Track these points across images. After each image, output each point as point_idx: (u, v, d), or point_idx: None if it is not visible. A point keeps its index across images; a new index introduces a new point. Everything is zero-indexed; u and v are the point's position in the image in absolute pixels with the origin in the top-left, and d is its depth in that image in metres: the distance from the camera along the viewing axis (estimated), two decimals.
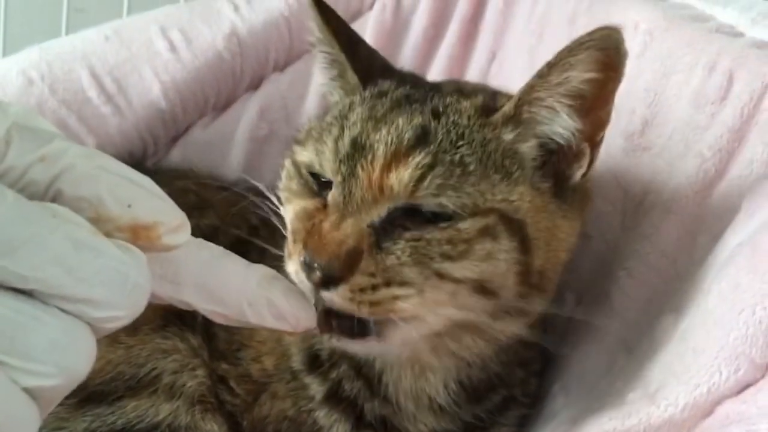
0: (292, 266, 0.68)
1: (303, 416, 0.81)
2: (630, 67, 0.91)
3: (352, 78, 0.80)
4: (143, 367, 0.77)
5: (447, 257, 0.66)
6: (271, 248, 0.76)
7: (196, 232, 0.96)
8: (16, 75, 1.08)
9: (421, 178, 0.67)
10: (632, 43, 0.94)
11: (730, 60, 0.82)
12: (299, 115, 1.24)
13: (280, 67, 1.25)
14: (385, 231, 0.67)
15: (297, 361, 0.82)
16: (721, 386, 0.61)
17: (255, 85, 1.24)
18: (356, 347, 0.73)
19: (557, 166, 0.74)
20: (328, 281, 0.65)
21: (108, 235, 0.44)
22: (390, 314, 0.66)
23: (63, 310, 0.42)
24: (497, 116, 0.72)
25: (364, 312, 0.66)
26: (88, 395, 0.75)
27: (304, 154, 0.75)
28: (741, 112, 0.79)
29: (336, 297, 0.65)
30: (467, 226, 0.67)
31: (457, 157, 0.69)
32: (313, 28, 0.83)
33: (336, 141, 0.72)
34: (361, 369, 0.81)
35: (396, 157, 0.68)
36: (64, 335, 0.41)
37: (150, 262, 0.46)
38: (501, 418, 0.85)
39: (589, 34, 0.66)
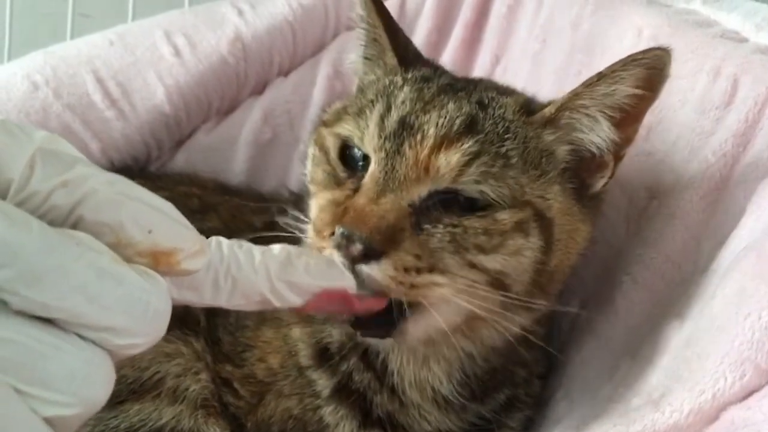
0: (326, 253, 0.66)
1: (308, 414, 0.81)
2: None
3: (392, 59, 0.83)
4: (146, 371, 0.77)
5: (481, 249, 0.68)
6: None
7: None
8: (21, 79, 1.08)
9: (468, 164, 0.69)
10: (636, 50, 0.93)
11: (734, 65, 0.82)
12: (303, 119, 1.24)
13: (284, 71, 1.25)
14: (423, 213, 0.68)
15: (305, 356, 0.82)
16: (726, 392, 0.61)
17: (259, 89, 1.24)
18: (375, 342, 0.74)
19: (581, 173, 0.76)
20: (369, 254, 0.64)
21: (128, 260, 0.44)
22: (422, 298, 0.67)
23: (83, 338, 0.42)
24: (538, 116, 0.75)
25: (400, 292, 0.66)
26: None
27: (343, 128, 0.76)
28: (746, 117, 0.79)
29: (377, 272, 0.64)
30: (505, 217, 0.69)
31: (502, 149, 0.71)
32: (357, 4, 0.85)
33: (382, 117, 0.73)
34: (370, 360, 0.81)
35: (446, 139, 0.69)
36: (83, 365, 0.42)
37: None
38: (506, 419, 0.85)
39: (643, 52, 0.69)
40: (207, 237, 0.95)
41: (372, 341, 0.77)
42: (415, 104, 0.73)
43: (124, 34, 1.16)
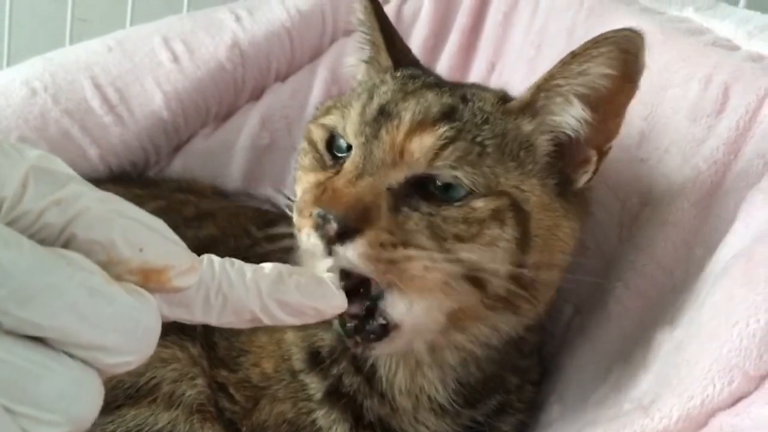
0: (304, 232, 0.68)
1: (302, 418, 0.81)
2: None
3: (386, 60, 0.85)
4: (143, 376, 0.77)
5: (459, 238, 0.68)
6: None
7: (196, 243, 0.98)
8: (20, 85, 1.09)
9: (442, 148, 0.70)
10: None
11: (726, 73, 0.83)
12: (301, 125, 1.24)
13: (282, 77, 1.26)
14: (401, 198, 0.69)
15: (298, 360, 0.83)
16: (715, 398, 0.61)
17: (256, 95, 1.25)
18: (381, 348, 0.73)
19: (564, 168, 0.76)
20: (343, 233, 0.65)
21: (119, 277, 0.44)
22: (402, 274, 0.67)
23: (73, 356, 0.42)
24: (515, 103, 0.76)
25: (380, 270, 0.66)
26: None
27: (328, 119, 0.78)
28: (737, 125, 0.79)
29: (352, 252, 0.65)
30: (482, 204, 0.69)
31: (479, 138, 0.72)
32: (357, 9, 0.88)
33: (364, 106, 0.75)
34: (359, 364, 0.82)
35: (421, 125, 0.71)
36: (73, 384, 0.42)
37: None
38: (499, 423, 0.85)
39: (615, 31, 0.70)
40: (204, 244, 0.97)
41: (381, 350, 0.75)
42: (397, 94, 0.76)
43: (122, 40, 1.17)
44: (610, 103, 0.73)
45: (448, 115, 0.73)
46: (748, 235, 0.72)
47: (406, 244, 0.67)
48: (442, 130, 0.70)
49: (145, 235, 0.46)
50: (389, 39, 0.86)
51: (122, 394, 0.77)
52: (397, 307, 0.70)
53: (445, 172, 0.70)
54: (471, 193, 0.70)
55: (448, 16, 1.30)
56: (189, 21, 1.21)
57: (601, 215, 0.93)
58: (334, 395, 0.82)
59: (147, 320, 0.45)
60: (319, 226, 0.66)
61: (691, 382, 0.62)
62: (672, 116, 0.87)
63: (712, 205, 0.80)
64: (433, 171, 0.70)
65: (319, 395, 0.82)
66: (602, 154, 0.77)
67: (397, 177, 0.70)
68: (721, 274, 0.69)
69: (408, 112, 0.72)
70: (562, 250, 0.75)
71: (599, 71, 0.71)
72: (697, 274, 0.76)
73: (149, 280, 0.46)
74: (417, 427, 0.82)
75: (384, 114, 0.73)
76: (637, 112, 0.91)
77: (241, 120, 1.23)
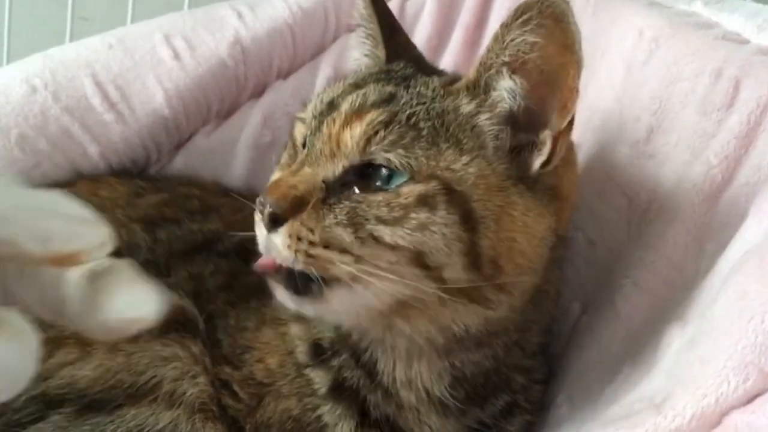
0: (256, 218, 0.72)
1: (308, 415, 0.80)
2: (635, 75, 0.92)
3: (381, 52, 0.86)
4: (143, 375, 0.76)
5: (381, 221, 0.68)
6: None
7: (200, 236, 0.97)
8: (20, 83, 1.08)
9: (375, 134, 0.70)
10: (637, 51, 0.94)
11: (736, 67, 0.81)
12: None
13: (284, 74, 1.25)
14: (337, 190, 0.71)
15: (302, 353, 0.83)
16: (730, 396, 0.60)
17: (258, 92, 1.24)
18: (292, 303, 0.73)
19: (523, 154, 0.74)
20: (273, 219, 0.69)
21: (33, 268, 0.44)
22: (327, 272, 0.68)
23: None
24: (459, 84, 0.75)
25: (300, 262, 0.68)
26: (87, 404, 0.74)
27: (303, 114, 0.80)
28: (748, 119, 0.78)
29: (276, 238, 0.69)
30: (408, 190, 0.68)
31: (412, 121, 0.71)
32: (359, 3, 0.89)
33: (320, 100, 0.77)
34: (360, 358, 0.81)
35: (356, 114, 0.72)
36: None
37: None
38: (506, 424, 0.84)
39: None
40: (208, 238, 0.96)
41: (291, 305, 0.74)
42: (347, 87, 0.77)
43: (123, 38, 1.15)
44: (548, 74, 0.70)
45: (385, 102, 0.73)
46: (761, 230, 0.70)
47: (326, 245, 0.68)
48: (373, 116, 0.71)
49: (50, 224, 0.44)
50: (387, 32, 0.86)
51: (122, 393, 0.75)
52: (340, 295, 0.70)
53: (377, 157, 0.70)
54: (409, 180, 0.69)
55: (451, 14, 1.29)
56: (190, 18, 1.20)
57: (607, 212, 0.92)
58: (339, 389, 0.81)
59: (20, 361, 0.43)
60: (260, 210, 0.70)
61: (705, 380, 0.61)
62: (681, 111, 0.86)
63: (722, 200, 0.79)
64: (367, 157, 0.70)
65: (323, 390, 0.81)
66: (559, 135, 0.72)
67: (334, 168, 0.71)
68: (734, 270, 0.68)
69: (346, 103, 0.74)
70: (524, 239, 0.72)
71: (525, 39, 0.69)
72: (707, 271, 0.75)
73: (63, 263, 0.45)
74: (422, 428, 0.81)
75: (330, 106, 0.75)
76: (645, 106, 0.90)
77: (243, 118, 1.22)
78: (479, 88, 0.74)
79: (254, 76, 1.20)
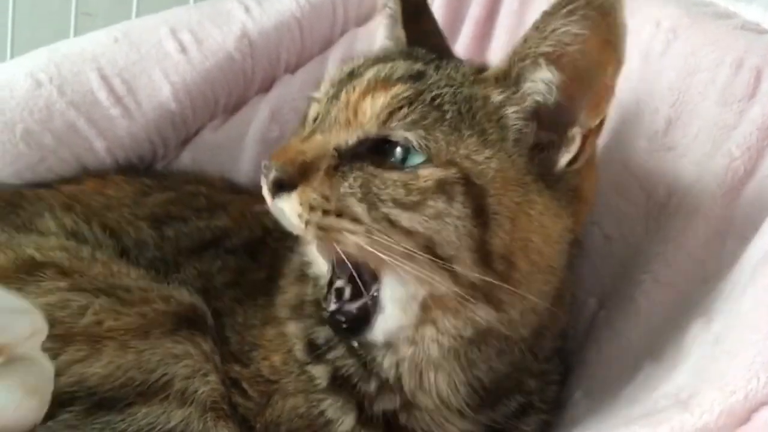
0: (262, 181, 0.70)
1: (313, 411, 0.79)
2: (652, 66, 0.90)
3: (401, 33, 0.84)
4: (154, 373, 0.74)
5: (398, 203, 0.66)
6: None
7: (207, 233, 0.96)
8: (24, 77, 1.06)
9: (398, 109, 0.68)
10: (654, 42, 0.92)
11: (757, 57, 0.80)
12: None
13: (291, 69, 1.23)
14: (349, 160, 0.68)
15: (299, 350, 0.82)
16: (759, 392, 0.58)
17: (266, 87, 1.22)
18: (365, 334, 0.73)
19: (548, 150, 0.71)
20: (279, 184, 0.67)
21: None
22: (335, 243, 0.67)
23: None
24: (490, 71, 0.72)
25: (310, 232, 0.67)
26: (97, 402, 0.73)
27: (317, 95, 0.78)
28: None
29: (286, 205, 0.67)
30: (427, 174, 0.66)
31: (437, 102, 0.69)
32: None
33: (340, 71, 0.76)
34: (355, 349, 0.80)
35: (380, 84, 0.70)
36: None
37: None
38: (521, 424, 0.82)
39: None
40: (216, 235, 0.95)
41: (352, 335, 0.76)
42: (370, 60, 0.75)
43: (128, 31, 1.14)
44: (585, 69, 0.68)
45: (413, 78, 0.71)
46: None
47: (340, 214, 0.66)
48: (398, 89, 0.69)
49: None
50: (410, 15, 0.84)
51: (132, 391, 0.74)
52: (384, 290, 0.70)
53: (396, 134, 0.67)
54: (426, 162, 0.67)
55: (461, 7, 1.27)
56: (196, 12, 1.18)
57: (625, 206, 0.90)
58: (336, 381, 0.80)
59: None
60: (264, 175, 0.68)
61: (733, 376, 0.60)
62: (700, 102, 0.84)
63: (745, 193, 0.77)
64: (385, 132, 0.68)
65: (324, 384, 0.80)
66: (589, 134, 0.70)
67: (348, 137, 0.69)
68: (761, 263, 0.66)
69: (371, 72, 0.72)
70: (540, 238, 0.70)
71: (569, 30, 0.66)
72: (731, 265, 0.74)
73: None
74: (446, 427, 0.79)
75: (351, 75, 0.73)
76: (663, 98, 0.88)
77: (250, 112, 1.20)
78: (510, 79, 0.71)
79: (262, 70, 1.19)
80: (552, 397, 0.87)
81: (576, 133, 0.70)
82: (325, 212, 0.66)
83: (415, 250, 0.66)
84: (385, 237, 0.66)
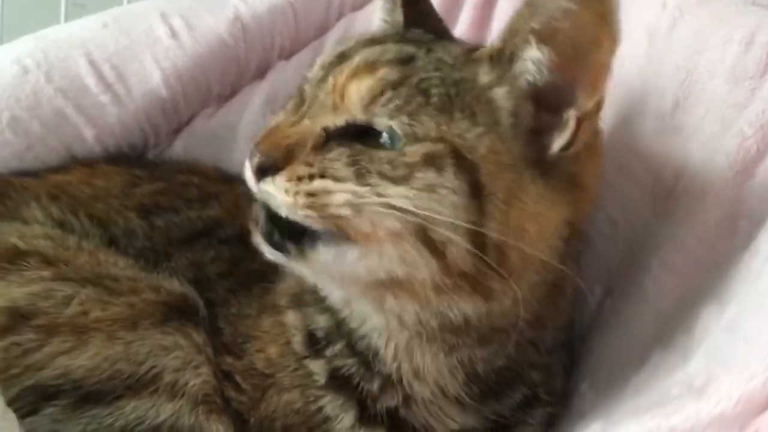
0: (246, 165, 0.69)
1: (310, 407, 0.77)
2: (658, 46, 0.88)
3: (399, 16, 0.81)
4: (143, 365, 0.72)
5: (385, 177, 0.63)
6: None
7: (198, 223, 0.93)
8: (11, 64, 1.03)
9: (381, 93, 0.65)
10: (660, 20, 0.89)
11: None
12: None
13: (286, 55, 1.20)
14: (335, 140, 0.66)
15: (298, 342, 0.79)
16: None
17: (261, 73, 1.19)
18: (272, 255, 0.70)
19: (542, 135, 0.68)
20: (264, 168, 0.65)
21: None
22: (325, 211, 0.63)
23: None
24: (483, 51, 0.69)
25: (300, 204, 0.64)
26: (84, 395, 0.71)
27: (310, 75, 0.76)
28: None
29: (272, 187, 0.65)
30: (413, 149, 0.64)
31: (424, 86, 0.66)
32: None
33: (330, 54, 0.73)
34: (356, 346, 0.77)
35: (367, 67, 0.67)
36: None
37: None
38: (526, 417, 0.80)
39: None
40: (208, 225, 0.93)
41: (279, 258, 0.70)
42: (361, 43, 0.72)
43: (118, 17, 1.11)
44: (579, 46, 0.64)
45: (402, 62, 0.68)
46: None
47: (323, 175, 0.64)
48: (384, 72, 0.66)
49: None
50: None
51: (121, 384, 0.72)
52: (329, 247, 0.66)
53: (380, 121, 0.65)
54: (415, 142, 0.65)
55: None
56: None
57: (631, 190, 0.87)
58: (336, 380, 0.77)
59: None
60: (249, 159, 0.67)
61: (752, 361, 0.56)
62: (708, 81, 0.81)
63: (758, 173, 0.74)
64: (369, 117, 0.65)
65: (322, 381, 0.77)
66: (585, 117, 0.66)
67: (336, 120, 0.67)
68: None
69: (360, 56, 0.69)
70: (537, 224, 0.67)
71: (558, 3, 0.63)
72: (744, 248, 0.71)
73: None
74: (444, 421, 0.76)
75: (341, 58, 0.71)
76: (670, 78, 0.85)
77: (244, 100, 1.17)
78: (503, 57, 0.68)
79: (255, 55, 1.16)
80: (557, 389, 0.84)
81: (571, 115, 0.66)
82: (311, 176, 0.64)
83: (405, 236, 0.63)
84: (375, 206, 0.63)
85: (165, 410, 0.71)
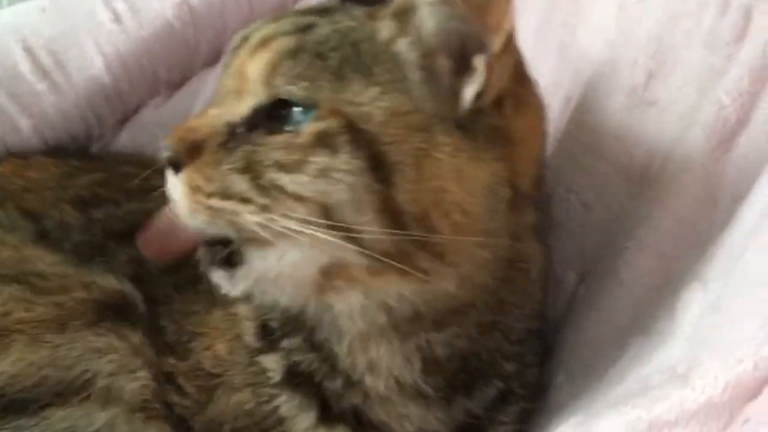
0: None
1: (263, 408, 0.71)
2: (629, 15, 0.83)
3: None
4: (72, 370, 0.66)
5: (280, 166, 0.59)
6: None
7: (140, 216, 0.87)
8: None
9: (279, 63, 0.61)
10: None
11: None
12: None
13: None
14: (242, 134, 0.62)
15: (250, 335, 0.74)
16: None
17: (213, 60, 1.13)
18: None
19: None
20: (173, 164, 0.62)
21: None
22: (236, 226, 0.60)
23: None
24: (386, 8, 0.65)
25: (203, 216, 0.61)
26: (6, 404, 0.65)
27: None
28: (763, 51, 0.69)
29: (175, 185, 0.62)
30: (306, 129, 0.60)
31: (321, 49, 0.62)
32: None
33: (235, 38, 0.69)
34: (314, 340, 0.71)
35: (263, 42, 0.63)
36: None
37: None
38: (499, 415, 0.74)
39: None
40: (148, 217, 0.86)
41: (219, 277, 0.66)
42: (263, 21, 0.68)
43: (58, 1, 1.05)
44: None
45: (299, 31, 0.64)
46: None
47: (224, 195, 0.60)
48: (279, 43, 0.62)
49: None
50: None
51: (48, 391, 0.66)
52: (264, 256, 0.62)
53: (282, 90, 0.61)
54: (314, 118, 0.60)
55: None
56: None
57: (603, 168, 0.82)
58: (293, 376, 0.71)
59: None
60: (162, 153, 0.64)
61: (739, 343, 0.51)
62: (683, 49, 0.77)
63: (738, 144, 0.69)
64: (272, 92, 0.61)
65: (278, 377, 0.71)
66: (495, 61, 0.61)
67: (241, 108, 0.62)
68: (761, 218, 0.59)
69: (259, 33, 0.65)
70: (459, 184, 0.61)
71: None
72: (725, 224, 0.66)
73: None
74: (400, 420, 0.71)
75: (243, 40, 0.67)
76: (642, 48, 0.81)
77: (196, 87, 1.11)
78: (405, 9, 0.63)
79: (206, 40, 1.10)
80: (532, 381, 0.78)
81: (479, 61, 0.61)
82: (209, 194, 0.60)
83: (311, 218, 0.58)
84: (279, 210, 0.59)
85: (98, 419, 0.66)
